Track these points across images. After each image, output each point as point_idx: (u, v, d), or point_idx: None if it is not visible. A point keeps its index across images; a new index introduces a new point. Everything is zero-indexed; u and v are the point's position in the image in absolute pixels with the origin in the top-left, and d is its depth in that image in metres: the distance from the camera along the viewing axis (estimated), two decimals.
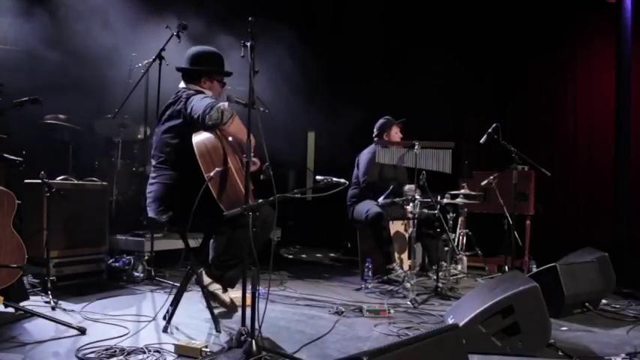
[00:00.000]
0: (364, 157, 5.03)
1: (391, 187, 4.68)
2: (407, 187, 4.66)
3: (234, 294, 3.27)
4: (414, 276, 4.07)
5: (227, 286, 3.27)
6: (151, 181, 3.19)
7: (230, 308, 3.23)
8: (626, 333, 3.24)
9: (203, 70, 3.28)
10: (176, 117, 3.11)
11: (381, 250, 4.70)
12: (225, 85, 3.42)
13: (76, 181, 4.11)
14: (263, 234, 3.09)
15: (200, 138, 2.96)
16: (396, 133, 5.06)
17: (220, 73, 3.35)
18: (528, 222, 5.55)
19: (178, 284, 3.15)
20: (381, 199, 4.61)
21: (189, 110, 3.01)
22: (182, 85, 3.30)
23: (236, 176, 2.91)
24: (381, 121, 5.12)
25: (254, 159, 3.06)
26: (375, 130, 5.13)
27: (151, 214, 3.15)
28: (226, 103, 2.96)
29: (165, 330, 2.92)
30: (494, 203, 5.18)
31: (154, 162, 3.22)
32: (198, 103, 2.98)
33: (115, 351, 2.52)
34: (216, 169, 2.86)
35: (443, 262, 4.66)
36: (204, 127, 2.95)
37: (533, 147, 6.09)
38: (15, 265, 2.98)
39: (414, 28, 6.68)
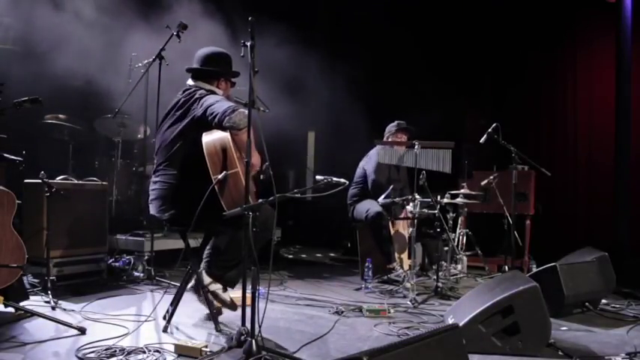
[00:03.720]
0: (374, 157, 4.99)
1: (391, 187, 4.68)
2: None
3: (234, 294, 3.26)
4: (414, 276, 4.07)
5: (227, 286, 3.27)
6: (154, 179, 3.17)
7: (230, 307, 3.23)
8: (626, 333, 3.24)
9: (221, 71, 3.25)
10: (185, 116, 3.07)
11: (381, 249, 4.70)
12: (235, 84, 3.40)
13: (76, 181, 4.10)
14: (264, 234, 3.08)
15: (211, 138, 2.91)
16: (397, 139, 5.00)
17: (234, 75, 3.33)
18: (528, 222, 5.55)
19: (178, 284, 3.15)
20: (381, 199, 4.62)
21: (202, 109, 2.98)
22: (191, 82, 3.23)
23: (243, 180, 2.88)
24: (391, 124, 5.09)
25: (254, 161, 3.04)
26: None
27: (152, 211, 3.13)
28: (246, 111, 2.96)
29: (165, 330, 2.93)
30: (494, 203, 5.18)
31: (157, 161, 3.18)
32: (218, 104, 2.94)
33: (115, 351, 2.52)
34: (225, 172, 2.81)
35: (443, 262, 4.66)
36: (219, 127, 2.91)
37: (533, 147, 6.10)
38: (15, 265, 2.98)
39: (415, 28, 6.68)
